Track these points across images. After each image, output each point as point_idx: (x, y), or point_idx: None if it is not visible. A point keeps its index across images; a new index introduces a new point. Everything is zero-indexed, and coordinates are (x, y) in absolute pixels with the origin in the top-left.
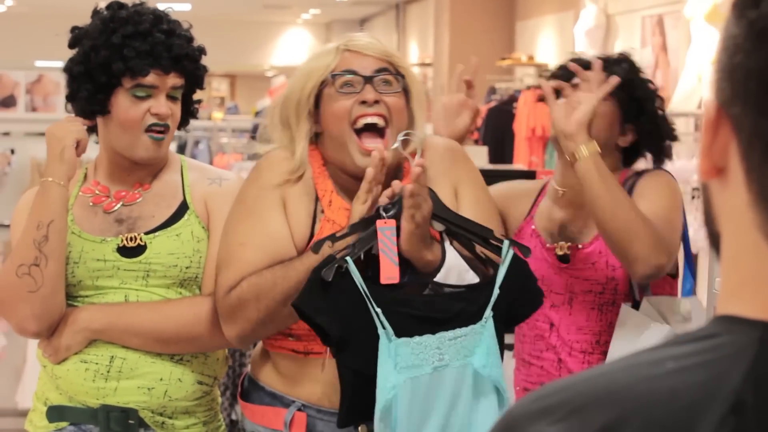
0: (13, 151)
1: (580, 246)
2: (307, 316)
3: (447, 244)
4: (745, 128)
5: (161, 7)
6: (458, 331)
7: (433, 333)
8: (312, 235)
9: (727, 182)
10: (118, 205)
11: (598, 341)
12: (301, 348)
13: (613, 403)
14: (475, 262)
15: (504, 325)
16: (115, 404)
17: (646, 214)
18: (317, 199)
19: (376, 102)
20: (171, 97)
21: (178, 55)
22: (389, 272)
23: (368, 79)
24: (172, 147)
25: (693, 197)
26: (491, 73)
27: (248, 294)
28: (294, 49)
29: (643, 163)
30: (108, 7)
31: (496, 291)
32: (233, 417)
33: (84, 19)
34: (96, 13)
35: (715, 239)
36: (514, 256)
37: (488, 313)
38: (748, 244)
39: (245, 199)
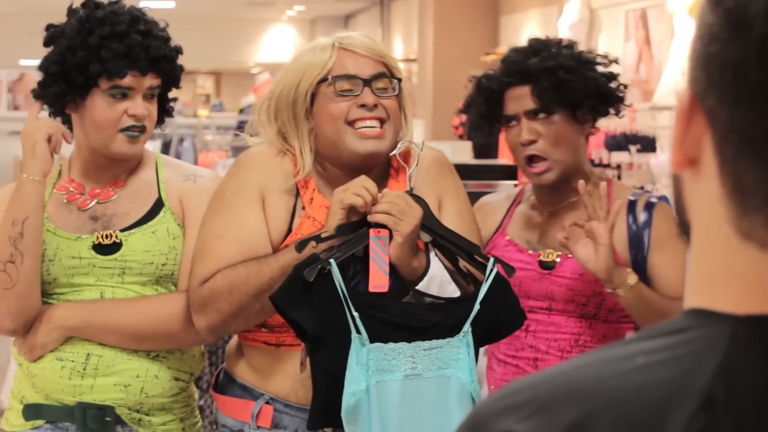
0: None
1: (569, 255)
2: (283, 311)
3: (432, 254)
4: (719, 120)
5: (143, 4)
6: (434, 342)
7: (409, 341)
8: (290, 231)
9: (699, 174)
10: (93, 203)
11: (577, 341)
12: (273, 340)
13: (581, 399)
14: (457, 276)
15: (480, 341)
16: (91, 401)
17: (674, 274)
18: (297, 195)
19: (375, 106)
20: (148, 96)
21: (155, 57)
22: (378, 281)
23: (367, 83)
24: (158, 145)
25: None
26: (476, 68)
27: (221, 286)
28: (279, 46)
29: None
30: (84, 5)
31: (477, 306)
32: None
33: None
34: (72, 12)
35: (685, 230)
36: (497, 274)
37: (467, 327)
38: (719, 237)
39: (223, 194)
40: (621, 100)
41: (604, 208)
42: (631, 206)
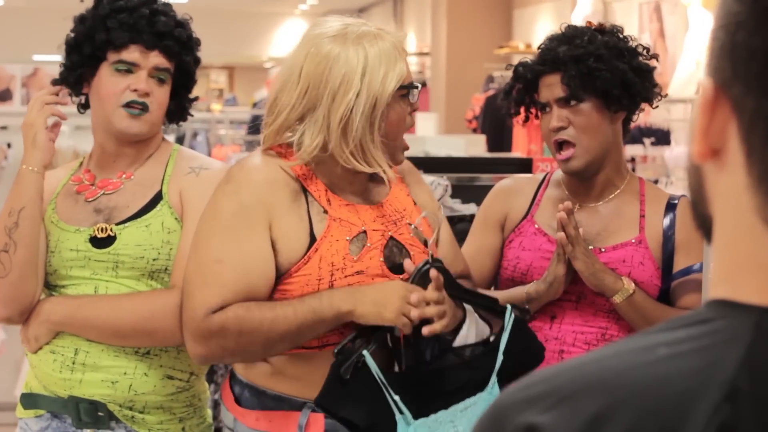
0: (9, 145)
1: (602, 249)
2: (330, 412)
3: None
4: (746, 109)
5: None
6: (468, 402)
7: (446, 407)
8: (313, 238)
9: (723, 165)
10: (100, 194)
11: (604, 335)
12: (316, 342)
13: (604, 390)
14: (483, 314)
15: (506, 383)
16: (81, 396)
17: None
18: (307, 200)
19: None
20: (156, 79)
21: (161, 32)
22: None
23: (418, 88)
24: (171, 140)
25: None
26: (489, 62)
27: (232, 326)
28: (292, 40)
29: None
30: None
31: (500, 358)
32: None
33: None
34: None
35: (705, 222)
36: (515, 319)
37: (493, 379)
38: (745, 227)
39: (221, 214)
40: (648, 94)
41: (636, 205)
42: (670, 208)
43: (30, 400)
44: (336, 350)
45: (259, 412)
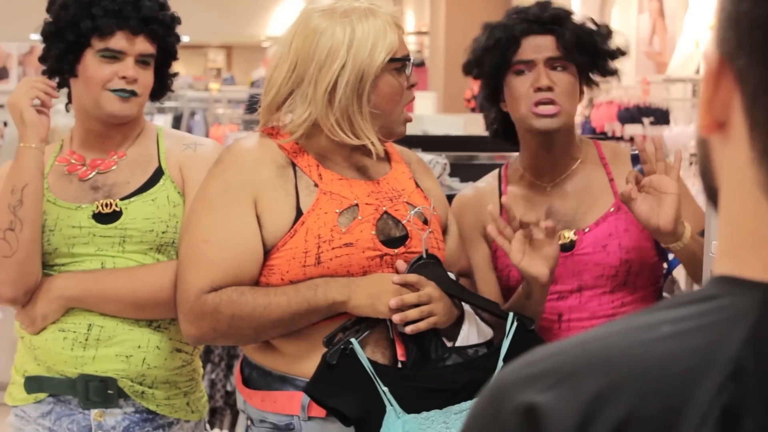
0: (6, 124)
1: (586, 229)
2: (319, 401)
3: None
4: (750, 82)
5: None
6: (464, 405)
7: (441, 407)
8: (300, 212)
9: (728, 137)
10: (93, 173)
11: None
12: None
13: (606, 369)
14: (484, 315)
15: None
16: (93, 373)
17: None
18: (296, 174)
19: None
20: (141, 63)
21: (146, 17)
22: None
23: (412, 65)
24: (169, 119)
25: (691, 163)
26: None
27: (225, 308)
28: (290, 19)
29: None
30: None
31: (500, 364)
32: (228, 388)
33: None
34: None
35: (713, 195)
36: (518, 327)
37: None
38: (748, 202)
39: (208, 194)
40: (614, 70)
41: (601, 170)
42: (635, 159)
43: (34, 384)
44: (325, 339)
45: (264, 392)
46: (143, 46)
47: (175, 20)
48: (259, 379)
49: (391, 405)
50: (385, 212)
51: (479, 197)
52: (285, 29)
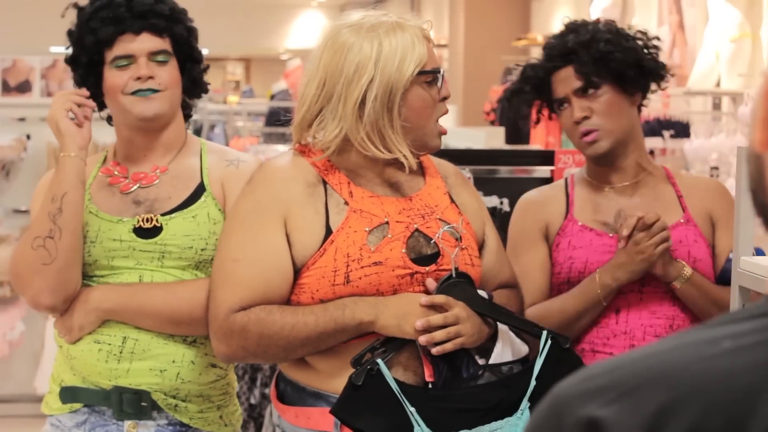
0: (29, 137)
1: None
2: (347, 422)
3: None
4: None
5: None
6: (494, 425)
7: (470, 428)
8: (329, 230)
9: None
10: (135, 187)
11: (672, 326)
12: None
13: (669, 383)
14: (520, 332)
15: None
16: (127, 386)
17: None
18: (326, 192)
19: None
20: (156, 62)
21: (141, 13)
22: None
23: (443, 78)
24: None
25: (711, 176)
26: (507, 54)
27: (253, 328)
28: (309, 31)
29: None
30: None
31: (533, 383)
32: (252, 401)
33: None
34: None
35: (766, 212)
36: (552, 345)
37: (524, 404)
38: None
39: (238, 213)
40: (662, 73)
41: (669, 187)
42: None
43: (69, 394)
44: (352, 359)
45: (299, 408)
46: (150, 43)
47: (178, 11)
48: (293, 394)
49: (419, 425)
50: (417, 230)
51: (544, 199)
52: (315, 45)
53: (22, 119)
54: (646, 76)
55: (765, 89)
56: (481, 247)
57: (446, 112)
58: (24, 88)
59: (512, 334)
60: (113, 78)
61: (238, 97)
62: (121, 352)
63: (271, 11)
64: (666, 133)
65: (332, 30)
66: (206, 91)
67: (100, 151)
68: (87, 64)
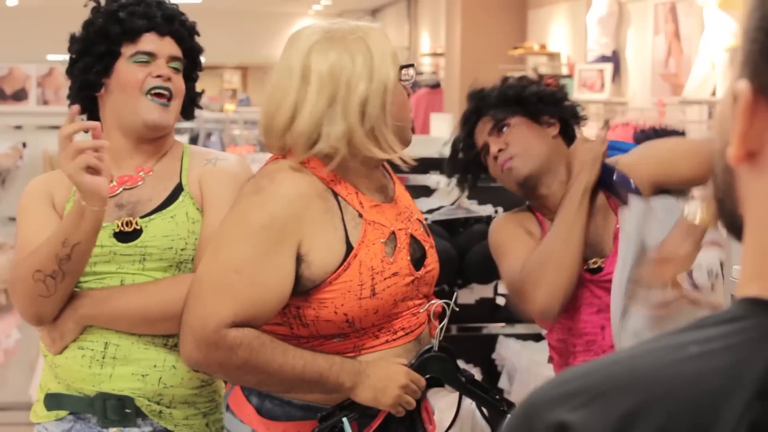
0: (24, 145)
1: (610, 255)
2: None
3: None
4: None
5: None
6: None
7: None
8: (349, 245)
9: (759, 167)
10: (120, 190)
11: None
12: (351, 347)
13: (635, 388)
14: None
15: None
16: (110, 391)
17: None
18: (341, 208)
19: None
20: (172, 69)
21: (170, 16)
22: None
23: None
24: (185, 139)
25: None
26: (503, 63)
27: (242, 351)
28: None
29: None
30: None
31: None
32: None
33: None
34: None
35: (734, 221)
36: None
37: None
38: None
39: (249, 224)
40: (558, 107)
41: (609, 221)
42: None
43: (54, 401)
44: (319, 415)
45: (287, 423)
46: (172, 48)
47: (195, 30)
48: (275, 408)
49: None
50: (411, 235)
51: (522, 218)
52: (279, 63)
53: (18, 127)
54: (548, 105)
55: (742, 105)
56: None
57: (412, 108)
58: (20, 96)
59: (479, 416)
60: (131, 72)
61: (235, 106)
62: (103, 358)
63: (268, 20)
64: None
65: (308, 42)
66: (193, 112)
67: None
68: (100, 55)
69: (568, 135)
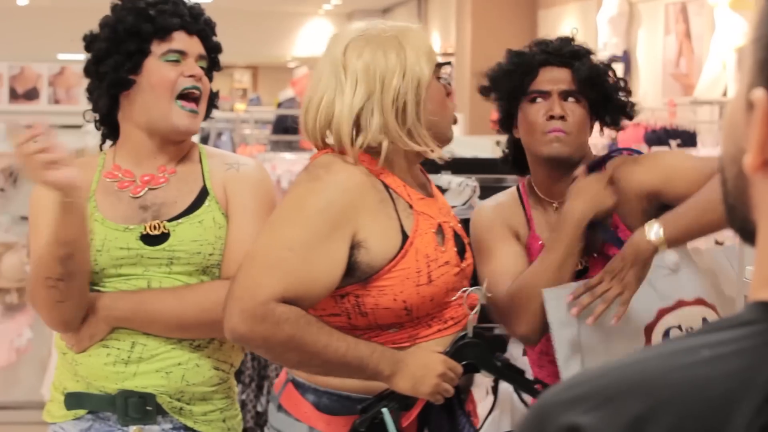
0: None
1: (596, 255)
2: None
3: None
4: None
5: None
6: None
7: None
8: (404, 233)
9: None
10: (145, 190)
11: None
12: (406, 338)
13: (646, 391)
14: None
15: None
16: (133, 389)
17: (687, 169)
18: (393, 198)
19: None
20: (200, 67)
21: (197, 15)
22: None
23: (449, 64)
24: (196, 139)
25: None
26: None
27: (288, 327)
28: (316, 40)
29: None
30: None
31: None
32: (259, 409)
33: (105, 12)
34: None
35: (745, 226)
36: None
37: None
38: None
39: (305, 208)
40: (629, 112)
41: None
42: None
43: (74, 400)
44: (360, 407)
45: (347, 417)
46: (199, 46)
47: (215, 26)
48: (334, 403)
49: None
50: (453, 229)
51: (505, 209)
52: (321, 60)
53: (29, 126)
54: (610, 111)
55: (761, 114)
56: None
57: (455, 108)
58: (32, 95)
59: (517, 401)
60: (164, 71)
61: (245, 105)
62: (129, 357)
63: (278, 19)
64: (673, 143)
65: (345, 40)
66: (209, 117)
67: (96, 154)
68: (130, 53)
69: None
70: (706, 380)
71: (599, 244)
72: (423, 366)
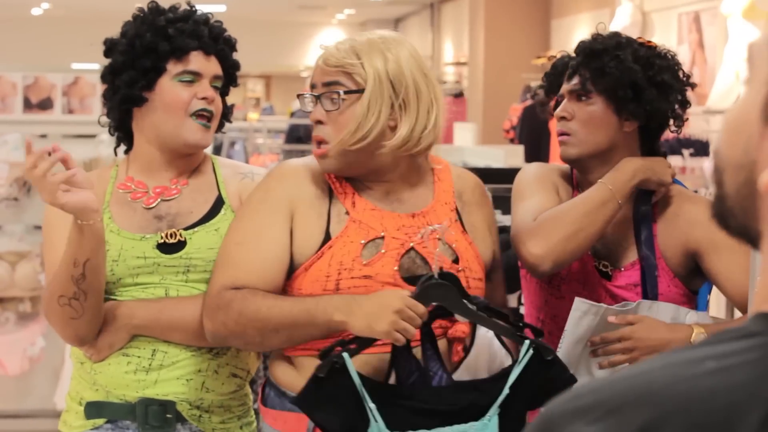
0: (50, 154)
1: (622, 269)
2: (306, 413)
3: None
4: None
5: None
6: (456, 428)
7: (429, 429)
8: (328, 236)
9: None
10: (158, 201)
11: None
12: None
13: (651, 402)
14: (505, 340)
15: (521, 421)
16: (153, 396)
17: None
18: (332, 200)
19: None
20: (214, 88)
21: (216, 36)
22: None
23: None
24: (209, 149)
25: None
26: (526, 72)
27: (235, 305)
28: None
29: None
30: (147, 6)
31: (506, 391)
32: None
33: (119, 22)
34: (133, 18)
35: (749, 233)
36: (534, 355)
37: (493, 410)
38: None
39: (250, 202)
40: (663, 108)
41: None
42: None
43: (94, 409)
44: (320, 352)
45: (278, 412)
46: (216, 67)
47: (235, 44)
48: (275, 398)
49: (376, 421)
50: (412, 248)
51: (558, 171)
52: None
53: (43, 136)
54: (642, 104)
55: None
56: (488, 275)
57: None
58: (45, 105)
59: (497, 345)
60: (178, 91)
61: (258, 114)
62: (150, 365)
63: (291, 29)
64: (685, 152)
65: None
66: (221, 130)
67: (109, 166)
68: (145, 70)
69: (650, 133)
70: (711, 392)
71: (626, 261)
72: (378, 303)
